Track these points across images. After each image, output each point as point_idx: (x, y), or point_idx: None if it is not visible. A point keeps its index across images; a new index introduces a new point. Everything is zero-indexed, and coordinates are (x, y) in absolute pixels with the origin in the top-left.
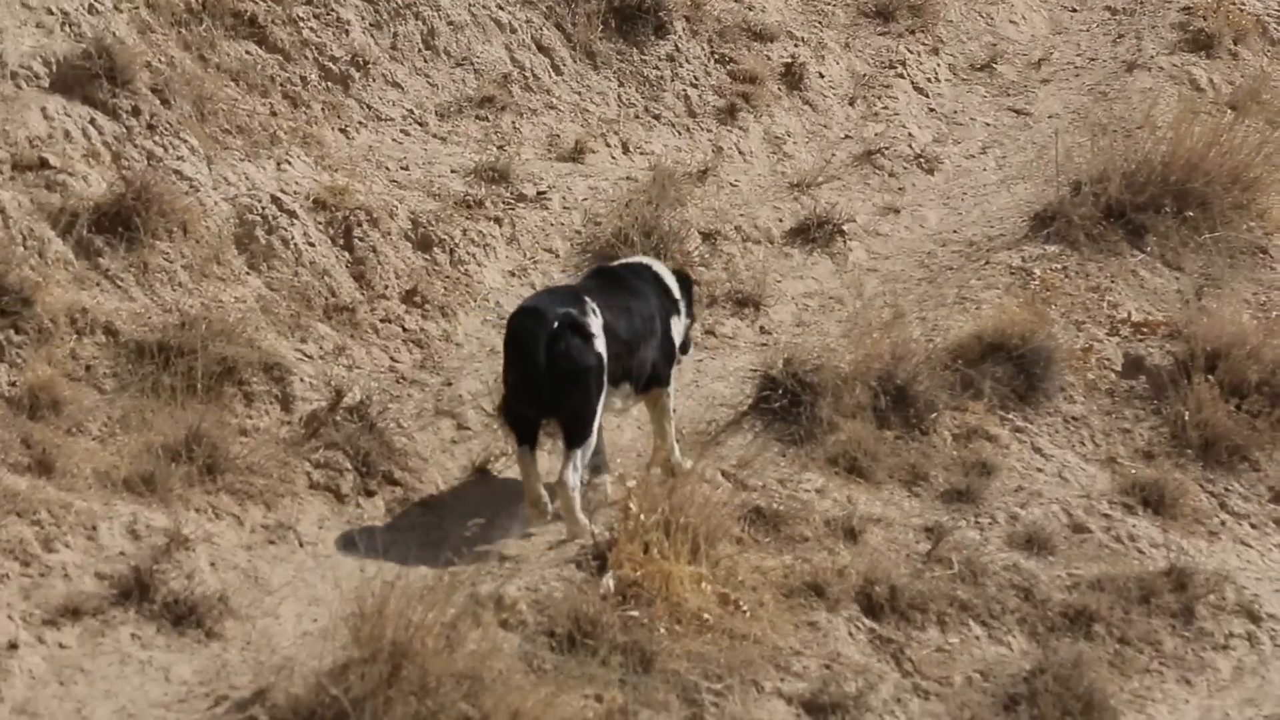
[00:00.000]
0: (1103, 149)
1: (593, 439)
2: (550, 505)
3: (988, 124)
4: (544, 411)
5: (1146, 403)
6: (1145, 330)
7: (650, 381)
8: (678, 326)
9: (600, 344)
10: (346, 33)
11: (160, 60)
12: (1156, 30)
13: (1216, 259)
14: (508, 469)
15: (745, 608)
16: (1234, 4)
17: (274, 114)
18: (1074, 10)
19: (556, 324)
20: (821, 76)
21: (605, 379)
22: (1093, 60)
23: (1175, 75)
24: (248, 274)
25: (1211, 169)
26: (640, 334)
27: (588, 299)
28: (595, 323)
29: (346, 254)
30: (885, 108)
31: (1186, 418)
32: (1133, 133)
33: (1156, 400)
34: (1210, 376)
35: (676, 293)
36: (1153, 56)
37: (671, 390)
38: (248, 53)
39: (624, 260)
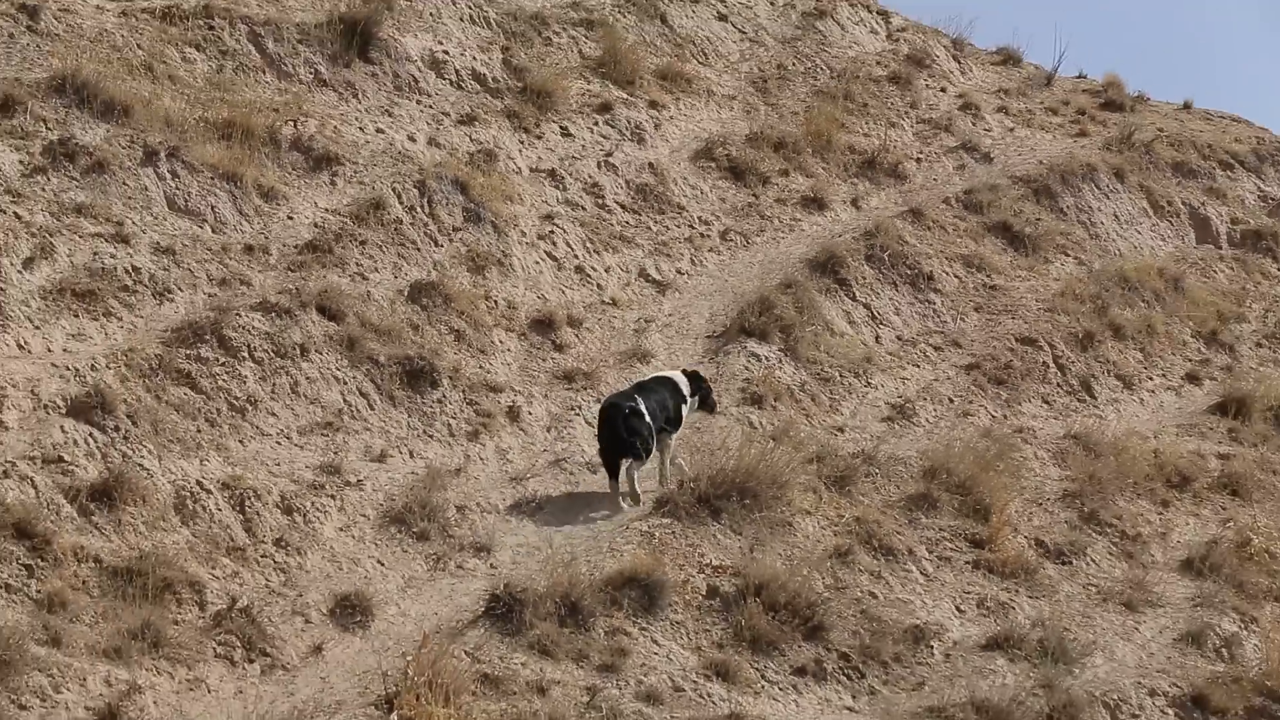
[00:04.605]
0: (696, 462)
1: (643, 462)
2: (627, 504)
3: None
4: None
5: (720, 614)
6: (720, 570)
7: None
8: (685, 408)
9: (648, 416)
10: (245, 382)
11: (132, 397)
12: (729, 392)
13: (762, 529)
14: (336, 649)
15: None
16: (775, 376)
17: (199, 430)
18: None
19: (629, 409)
20: (531, 414)
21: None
22: None
23: (740, 418)
24: (181, 527)
25: (760, 475)
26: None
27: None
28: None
29: (240, 515)
30: (568, 433)
31: (743, 624)
32: (714, 452)
33: (726, 613)
34: (758, 598)
35: (685, 388)
36: (726, 406)
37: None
38: (185, 393)
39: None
